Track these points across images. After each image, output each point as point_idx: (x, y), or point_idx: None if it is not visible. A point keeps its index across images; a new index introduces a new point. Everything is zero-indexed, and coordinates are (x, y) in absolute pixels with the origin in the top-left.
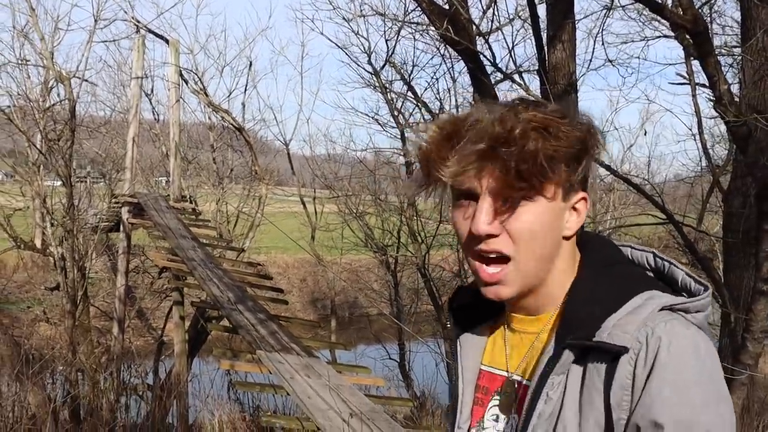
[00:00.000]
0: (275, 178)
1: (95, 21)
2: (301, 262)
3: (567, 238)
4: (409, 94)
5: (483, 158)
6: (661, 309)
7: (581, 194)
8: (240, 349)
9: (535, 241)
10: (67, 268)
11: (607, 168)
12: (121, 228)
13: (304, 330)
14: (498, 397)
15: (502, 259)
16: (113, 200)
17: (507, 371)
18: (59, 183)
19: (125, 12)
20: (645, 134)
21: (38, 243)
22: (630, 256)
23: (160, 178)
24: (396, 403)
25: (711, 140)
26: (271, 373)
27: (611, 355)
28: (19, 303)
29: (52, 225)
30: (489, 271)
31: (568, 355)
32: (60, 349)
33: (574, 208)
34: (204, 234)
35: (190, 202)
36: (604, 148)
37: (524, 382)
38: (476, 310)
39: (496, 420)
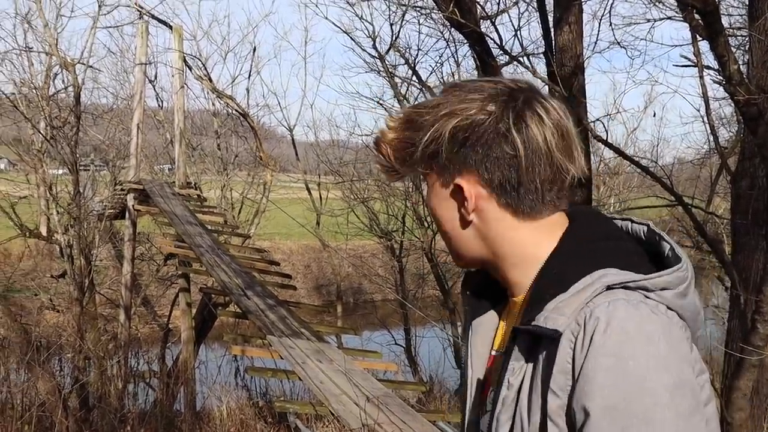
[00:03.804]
0: (279, 164)
1: (99, 7)
2: (305, 248)
3: (467, 223)
4: (414, 78)
5: None
6: (612, 287)
7: (456, 181)
8: (250, 335)
9: (437, 220)
10: (74, 255)
11: (616, 150)
12: (127, 215)
13: (311, 315)
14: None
15: None
16: (119, 187)
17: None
18: (62, 171)
19: None
20: (654, 116)
21: (43, 231)
22: (629, 230)
23: (163, 166)
24: (408, 388)
25: (717, 122)
26: (282, 358)
27: (554, 339)
28: (25, 291)
29: (57, 212)
30: None
31: (521, 340)
32: (68, 337)
33: (455, 195)
34: (210, 220)
35: (195, 189)
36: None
37: None
38: (490, 293)
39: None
